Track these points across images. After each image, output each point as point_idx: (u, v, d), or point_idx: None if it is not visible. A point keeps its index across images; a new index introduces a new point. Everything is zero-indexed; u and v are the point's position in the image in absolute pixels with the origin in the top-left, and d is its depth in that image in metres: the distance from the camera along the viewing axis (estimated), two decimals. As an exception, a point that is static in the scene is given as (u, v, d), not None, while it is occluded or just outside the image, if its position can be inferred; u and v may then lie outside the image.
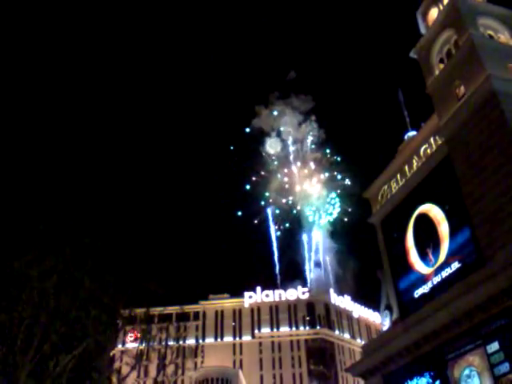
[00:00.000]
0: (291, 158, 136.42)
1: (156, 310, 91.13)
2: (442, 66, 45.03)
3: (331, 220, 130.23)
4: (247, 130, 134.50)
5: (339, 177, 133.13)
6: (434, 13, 47.97)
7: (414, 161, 46.42)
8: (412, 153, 46.99)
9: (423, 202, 43.42)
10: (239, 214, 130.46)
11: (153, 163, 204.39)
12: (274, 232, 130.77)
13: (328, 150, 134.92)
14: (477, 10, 43.36)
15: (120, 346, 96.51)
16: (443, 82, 42.85)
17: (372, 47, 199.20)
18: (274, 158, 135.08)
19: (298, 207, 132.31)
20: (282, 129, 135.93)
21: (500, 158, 34.52)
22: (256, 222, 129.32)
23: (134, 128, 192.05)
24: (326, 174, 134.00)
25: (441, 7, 46.27)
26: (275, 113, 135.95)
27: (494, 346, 30.62)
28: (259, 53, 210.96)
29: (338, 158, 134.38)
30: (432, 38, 46.34)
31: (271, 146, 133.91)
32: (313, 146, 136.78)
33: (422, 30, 49.64)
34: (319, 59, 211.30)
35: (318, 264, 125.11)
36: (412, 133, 51.04)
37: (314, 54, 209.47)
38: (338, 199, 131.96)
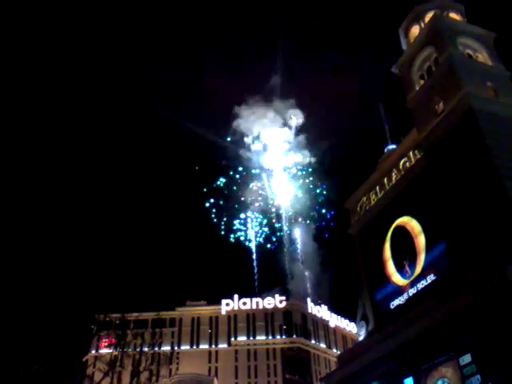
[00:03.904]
0: (271, 161, 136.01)
1: (132, 316, 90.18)
2: (422, 81, 46.03)
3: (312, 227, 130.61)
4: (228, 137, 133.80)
5: (318, 184, 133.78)
6: (415, 30, 49.14)
7: (393, 174, 47.17)
8: (391, 166, 47.77)
9: (401, 215, 44.12)
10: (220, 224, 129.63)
11: (131, 169, 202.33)
12: (253, 239, 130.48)
13: (308, 157, 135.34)
14: (457, 29, 44.60)
15: (93, 352, 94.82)
16: (423, 98, 43.78)
17: (355, 61, 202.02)
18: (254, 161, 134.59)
19: (280, 211, 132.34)
20: (262, 131, 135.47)
21: (476, 173, 35.37)
22: (236, 227, 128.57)
23: (113, 132, 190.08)
24: (306, 181, 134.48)
25: (422, 25, 47.42)
26: (255, 115, 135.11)
27: (467, 358, 31.09)
28: (248, 55, 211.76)
29: (318, 166, 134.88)
30: (413, 54, 47.40)
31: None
32: (293, 151, 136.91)
33: (404, 46, 50.74)
34: (303, 69, 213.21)
35: (296, 271, 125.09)
36: (392, 146, 51.94)
37: (298, 63, 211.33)
38: (317, 206, 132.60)
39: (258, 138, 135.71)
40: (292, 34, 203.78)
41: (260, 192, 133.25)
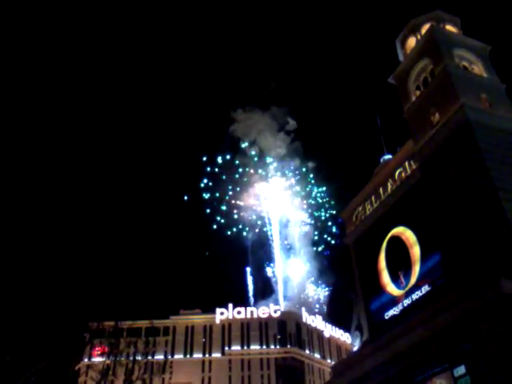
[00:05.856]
0: (267, 168, 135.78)
1: (125, 324, 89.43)
2: (418, 92, 46.33)
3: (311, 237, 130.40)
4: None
5: (314, 191, 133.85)
6: (412, 42, 49.61)
7: (389, 184, 47.26)
8: (387, 176, 47.86)
9: (396, 225, 44.11)
10: (214, 227, 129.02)
11: (125, 175, 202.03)
12: (248, 247, 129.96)
13: (304, 164, 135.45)
14: (453, 41, 45.04)
15: (86, 360, 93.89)
16: (419, 109, 44.03)
17: (352, 71, 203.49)
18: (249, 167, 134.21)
19: (273, 219, 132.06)
20: (258, 137, 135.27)
21: (471, 184, 35.48)
22: (230, 233, 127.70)
23: (111, 133, 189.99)
24: (301, 187, 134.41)
25: (418, 37, 47.85)
26: (252, 120, 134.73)
27: (461, 370, 30.95)
28: (240, 63, 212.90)
29: (314, 172, 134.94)
30: (409, 65, 47.76)
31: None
32: (289, 158, 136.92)
33: (401, 57, 51.19)
34: (300, 80, 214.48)
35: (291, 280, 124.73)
36: (388, 156, 52.11)
37: (295, 73, 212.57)
38: (313, 213, 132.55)
39: (254, 143, 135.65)
40: (289, 42, 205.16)
41: (255, 197, 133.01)
